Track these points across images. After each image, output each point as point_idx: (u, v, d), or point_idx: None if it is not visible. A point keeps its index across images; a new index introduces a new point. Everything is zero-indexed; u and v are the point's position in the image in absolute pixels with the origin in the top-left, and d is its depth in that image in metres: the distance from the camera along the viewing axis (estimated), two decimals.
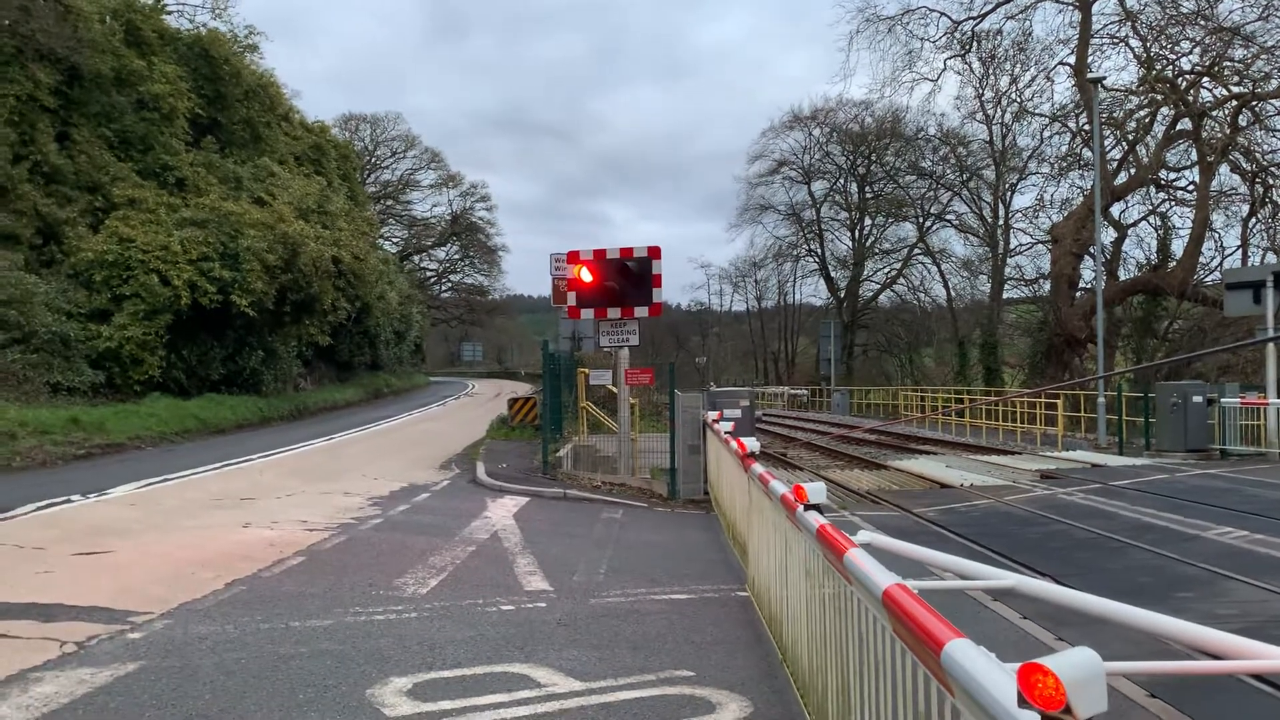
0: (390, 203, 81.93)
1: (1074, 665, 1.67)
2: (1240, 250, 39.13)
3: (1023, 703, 1.70)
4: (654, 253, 15.73)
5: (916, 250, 60.80)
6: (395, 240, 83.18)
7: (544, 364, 18.32)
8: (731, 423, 12.35)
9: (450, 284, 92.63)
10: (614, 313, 15.89)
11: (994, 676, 1.88)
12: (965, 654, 2.04)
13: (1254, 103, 37.26)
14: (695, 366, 67.02)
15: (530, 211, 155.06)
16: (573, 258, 16.00)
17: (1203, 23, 37.46)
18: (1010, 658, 2.01)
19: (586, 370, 19.31)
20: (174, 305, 25.28)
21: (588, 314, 16.31)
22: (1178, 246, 40.69)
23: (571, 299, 16.16)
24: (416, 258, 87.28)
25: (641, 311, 15.88)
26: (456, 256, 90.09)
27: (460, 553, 9.76)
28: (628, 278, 15.83)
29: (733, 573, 9.05)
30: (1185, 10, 37.73)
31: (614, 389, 17.09)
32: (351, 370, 47.93)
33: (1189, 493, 14.05)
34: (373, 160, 78.44)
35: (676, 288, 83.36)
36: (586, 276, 15.74)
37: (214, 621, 6.80)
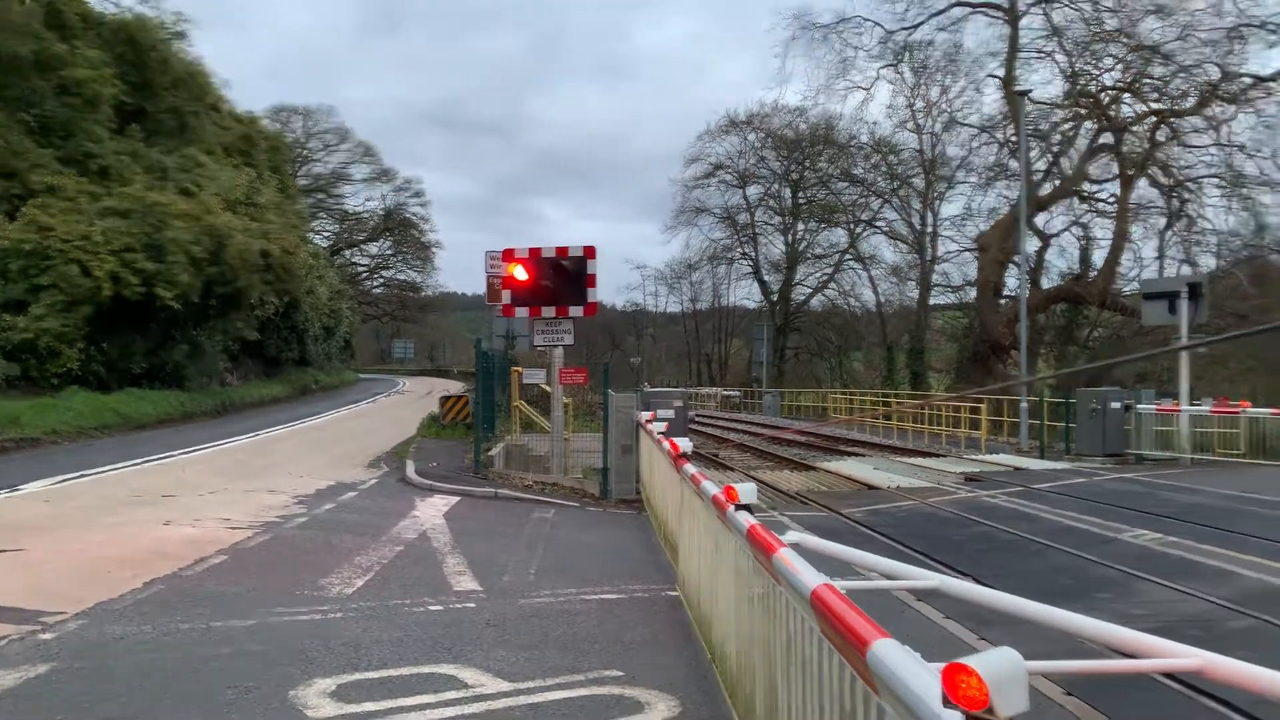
0: (321, 196, 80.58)
1: (996, 665, 1.70)
2: (1158, 261, 40.47)
3: (947, 703, 1.72)
4: (589, 252, 15.71)
5: (847, 256, 61.65)
6: (326, 234, 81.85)
7: (477, 362, 18.18)
8: (665, 423, 12.37)
9: (382, 280, 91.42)
10: (549, 312, 15.83)
11: (919, 676, 1.90)
12: (891, 654, 2.06)
13: (1171, 119, 38.53)
14: (630, 367, 67.10)
15: (465, 208, 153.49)
16: (508, 256, 15.90)
17: (1125, 40, 38.65)
18: (935, 657, 2.04)
19: (520, 369, 19.21)
20: (95, 297, 24.53)
21: (522, 312, 16.24)
22: (1098, 257, 41.96)
23: (506, 297, 16.06)
24: (348, 253, 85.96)
25: (576, 311, 15.85)
26: (389, 252, 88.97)
27: (388, 552, 9.64)
28: (563, 277, 15.78)
29: (664, 573, 9.07)
30: (1108, 28, 38.89)
31: (548, 388, 17.02)
32: (279, 366, 47.00)
33: (1106, 496, 14.45)
34: (304, 153, 77.09)
35: (612, 288, 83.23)
36: (521, 275, 15.66)
37: (131, 621, 6.61)
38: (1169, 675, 5.33)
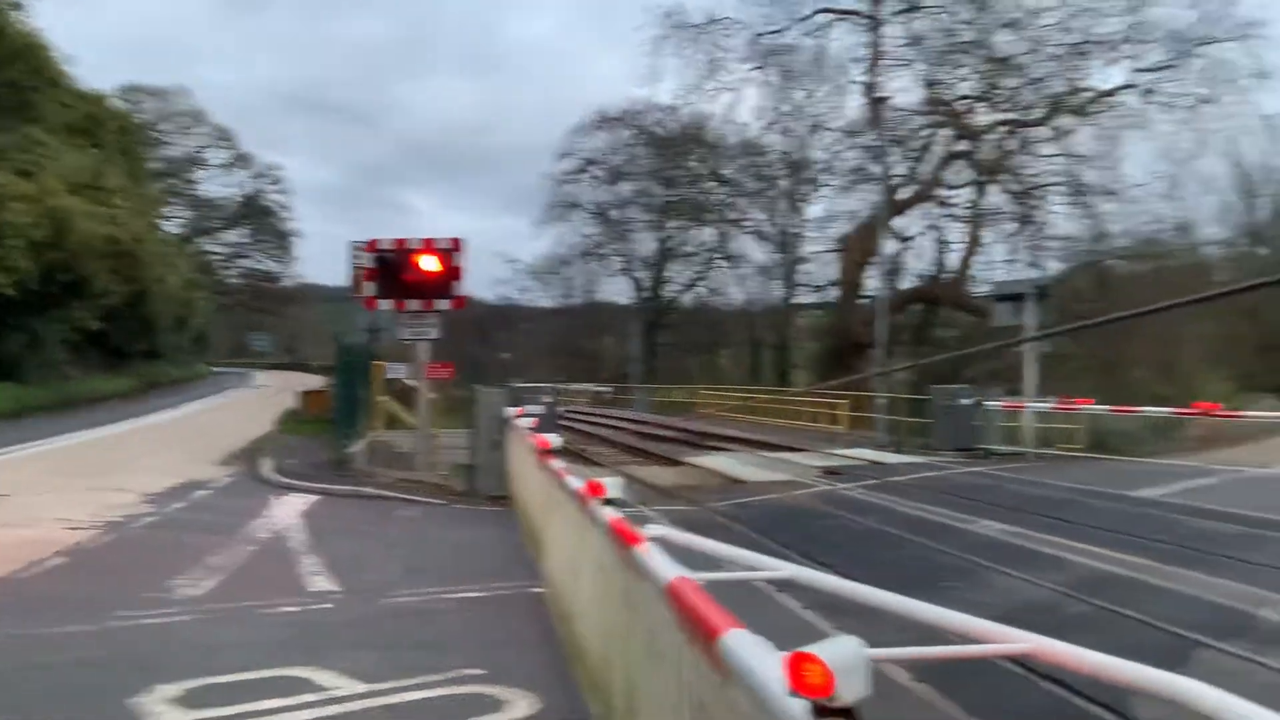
0: (175, 181, 76.96)
1: (839, 652, 1.74)
2: (1007, 264, 42.44)
3: (792, 690, 1.75)
4: (457, 244, 15.47)
5: (716, 254, 62.59)
6: (180, 221, 78.24)
7: (338, 355, 17.68)
8: (534, 419, 12.30)
9: (240, 270, 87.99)
10: (414, 304, 15.52)
11: (767, 665, 1.93)
12: (741, 644, 2.09)
13: (1021, 129, 40.54)
14: (500, 362, 66.51)
15: (329, 196, 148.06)
16: (372, 247, 15.51)
17: (979, 52, 40.45)
18: (790, 647, 2.06)
19: (383, 363, 18.78)
20: None
21: (387, 305, 15.87)
22: (953, 259, 43.81)
23: (370, 289, 15.67)
24: (202, 240, 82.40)
25: (443, 304, 15.59)
26: (246, 241, 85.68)
27: (241, 552, 9.29)
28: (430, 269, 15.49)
29: (529, 569, 8.99)
30: (964, 39, 40.61)
31: (413, 383, 16.70)
32: (126, 359, 44.66)
33: (957, 489, 15.07)
34: (156, 135, 73.50)
35: (483, 282, 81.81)
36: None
37: None
38: (1012, 659, 5.58)
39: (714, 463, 20.12)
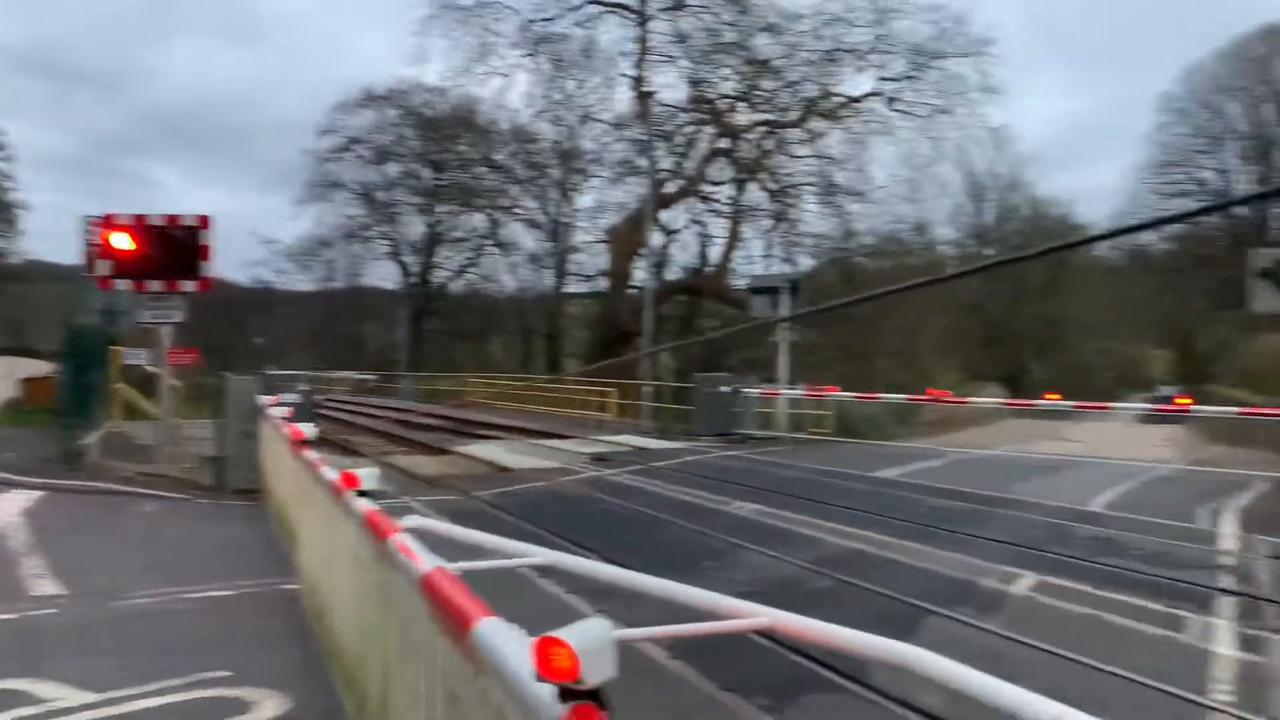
0: None
1: (586, 635, 1.74)
2: (765, 259, 44.53)
3: (539, 675, 1.74)
4: (204, 222, 14.52)
5: (487, 241, 61.97)
6: None
7: (68, 340, 16.20)
8: (289, 408, 11.75)
9: None
10: (156, 286, 14.45)
11: (517, 653, 1.91)
12: (492, 632, 2.06)
13: (778, 130, 42.63)
14: (254, 348, 63.09)
15: (64, 167, 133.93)
16: (108, 222, 14.30)
17: (740, 53, 42.15)
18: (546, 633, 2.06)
19: (121, 348, 17.37)
20: None
21: (125, 286, 14.69)
22: (715, 253, 45.52)
23: (106, 268, 14.44)
24: None
25: (188, 286, 14.60)
26: None
27: None
28: (173, 248, 14.46)
29: (283, 566, 8.58)
30: (727, 39, 42.18)
31: (155, 370, 15.56)
32: None
33: (717, 472, 15.67)
34: None
35: (235, 263, 76.69)
36: (124, 244, 14.15)
37: None
38: (762, 634, 5.84)
39: (482, 451, 19.97)
